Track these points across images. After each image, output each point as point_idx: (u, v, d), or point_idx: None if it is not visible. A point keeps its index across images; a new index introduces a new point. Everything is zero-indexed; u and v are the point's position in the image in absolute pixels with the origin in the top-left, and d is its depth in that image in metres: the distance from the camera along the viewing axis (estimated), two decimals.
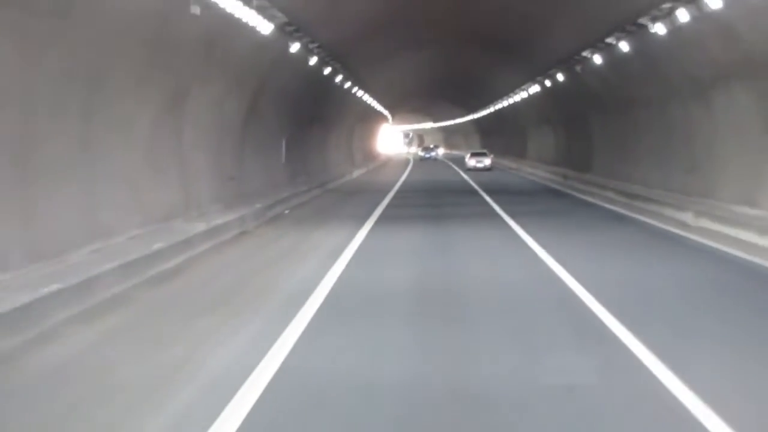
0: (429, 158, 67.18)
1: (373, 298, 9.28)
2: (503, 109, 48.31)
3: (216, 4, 13.36)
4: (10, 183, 9.00)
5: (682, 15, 15.77)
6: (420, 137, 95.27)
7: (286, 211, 19.86)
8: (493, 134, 62.04)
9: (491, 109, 53.74)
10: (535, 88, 35.41)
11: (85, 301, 8.60)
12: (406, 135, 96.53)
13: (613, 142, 27.11)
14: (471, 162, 46.13)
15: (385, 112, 59.34)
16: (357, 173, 41.19)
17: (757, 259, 11.51)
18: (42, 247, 9.50)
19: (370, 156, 57.29)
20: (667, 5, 16.07)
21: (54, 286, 8.30)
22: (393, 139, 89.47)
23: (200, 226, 13.70)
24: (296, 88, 23.97)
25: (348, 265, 11.36)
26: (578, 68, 26.75)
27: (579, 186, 27.50)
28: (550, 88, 32.41)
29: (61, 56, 9.54)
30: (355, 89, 34.20)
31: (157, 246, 11.25)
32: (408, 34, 30.75)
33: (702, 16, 14.99)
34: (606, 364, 6.40)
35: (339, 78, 28.76)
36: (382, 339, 7.33)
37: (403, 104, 68.01)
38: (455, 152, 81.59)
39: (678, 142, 20.10)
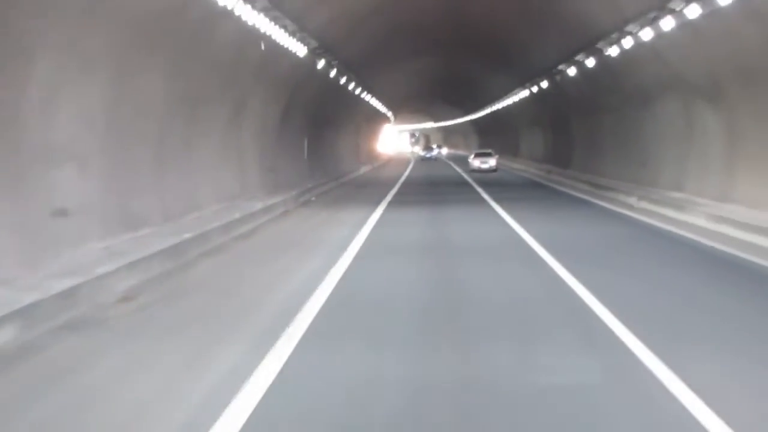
0: (430, 158, 68.29)
1: (392, 246, 13.90)
2: (498, 111, 52.86)
3: (270, 36, 17.99)
4: (152, 172, 13.65)
5: (627, 42, 20.43)
6: (426, 137, 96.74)
7: (313, 198, 24.51)
8: (490, 134, 66.62)
9: (488, 111, 58.37)
10: (524, 93, 40.07)
11: (204, 245, 13.24)
12: (412, 135, 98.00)
13: (587, 141, 31.77)
14: (475, 163, 43.92)
15: (388, 113, 63.99)
16: (364, 169, 45.84)
17: (666, 226, 16.15)
18: (168, 213, 14.15)
19: (373, 155, 61.92)
20: (614, 35, 20.73)
21: (186, 235, 12.94)
22: (394, 139, 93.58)
23: (257, 205, 18.36)
24: (316, 95, 28.62)
25: (372, 230, 16.01)
26: (558, 78, 31.40)
27: (558, 179, 32.23)
28: (537, 93, 37.05)
29: (181, 84, 14.21)
30: (363, 94, 38.89)
31: (236, 215, 15.90)
32: (411, 45, 35.48)
33: (639, 44, 19.64)
34: (532, 267, 11.04)
35: (351, 86, 33.42)
36: (400, 266, 11.96)
37: (404, 105, 72.63)
38: (460, 152, 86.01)
39: (632, 142, 24.78)
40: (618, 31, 20.82)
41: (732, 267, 11.35)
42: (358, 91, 36.25)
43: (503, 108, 49.85)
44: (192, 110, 15.26)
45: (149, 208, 13.38)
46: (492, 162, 43.56)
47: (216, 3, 13.59)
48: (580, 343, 7.17)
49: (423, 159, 67.31)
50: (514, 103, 44.82)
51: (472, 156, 45.88)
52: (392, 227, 16.90)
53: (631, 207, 20.27)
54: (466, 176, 38.79)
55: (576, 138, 34.28)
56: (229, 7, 14.11)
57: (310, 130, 30.85)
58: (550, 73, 32.06)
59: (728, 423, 5.11)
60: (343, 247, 13.30)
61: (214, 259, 12.35)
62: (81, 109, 10.55)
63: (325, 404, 5.65)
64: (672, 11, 16.38)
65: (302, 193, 23.97)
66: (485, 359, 6.70)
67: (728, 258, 12.05)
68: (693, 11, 15.54)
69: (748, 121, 16.36)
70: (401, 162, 63.74)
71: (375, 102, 47.06)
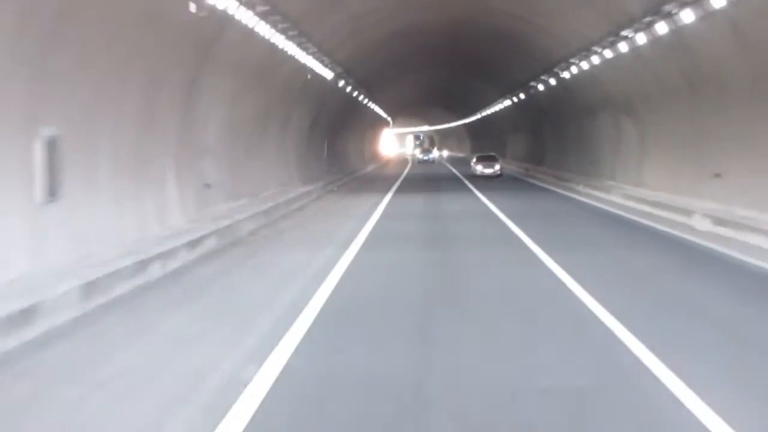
0: (427, 161, 67.43)
1: (401, 214, 20.86)
2: (487, 116, 59.97)
3: (312, 68, 24.93)
4: (244, 164, 20.62)
5: (574, 69, 27.45)
6: (431, 138, 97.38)
7: (335, 188, 31.48)
8: (481, 137, 73.66)
9: (478, 116, 65.48)
10: (507, 102, 47.11)
11: (280, 211, 20.14)
12: (417, 137, 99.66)
13: (556, 144, 38.80)
14: (478, 168, 40.77)
15: (388, 118, 70.91)
16: (370, 168, 52.85)
17: (592, 202, 23.15)
18: (251, 191, 21.12)
19: (376, 155, 68.89)
20: (563, 64, 27.80)
21: (269, 204, 19.87)
22: (394, 141, 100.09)
23: (301, 189, 25.34)
24: (335, 108, 35.60)
25: (386, 206, 23.01)
26: (532, 91, 38.43)
27: (533, 174, 39.37)
28: (517, 103, 44.10)
29: (260, 109, 21.22)
30: (369, 103, 45.90)
31: (290, 195, 22.88)
32: (414, 62, 42.49)
33: (582, 71, 26.68)
34: (492, 222, 18.00)
35: (361, 98, 40.43)
36: (408, 225, 18.92)
37: (403, 110, 79.66)
38: (453, 153, 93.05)
39: (586, 144, 31.84)
40: (565, 61, 27.88)
41: (614, 220, 18.38)
42: (366, 101, 43.29)
43: (491, 114, 56.91)
44: (263, 125, 22.25)
45: (243, 187, 20.35)
46: (497, 167, 40.32)
47: (286, 51, 20.58)
48: (507, 247, 14.18)
49: (420, 162, 66.79)
50: (500, 110, 51.88)
51: (474, 160, 42.67)
52: (400, 205, 23.90)
53: (577, 192, 27.29)
54: (456, 172, 45.76)
55: (547, 141, 41.31)
56: (291, 53, 21.09)
57: (329, 135, 37.85)
58: (526, 87, 39.10)
59: (570, 274, 12.07)
60: (369, 215, 20.28)
61: (289, 219, 19.31)
62: (217, 124, 17.56)
63: (377, 267, 12.59)
64: (596, 52, 23.45)
65: (326, 184, 30.95)
66: (459, 254, 13.70)
67: (617, 216, 19.07)
68: (609, 54, 22.62)
69: (650, 129, 23.43)
70: (401, 162, 70.59)
71: (378, 109, 54.07)
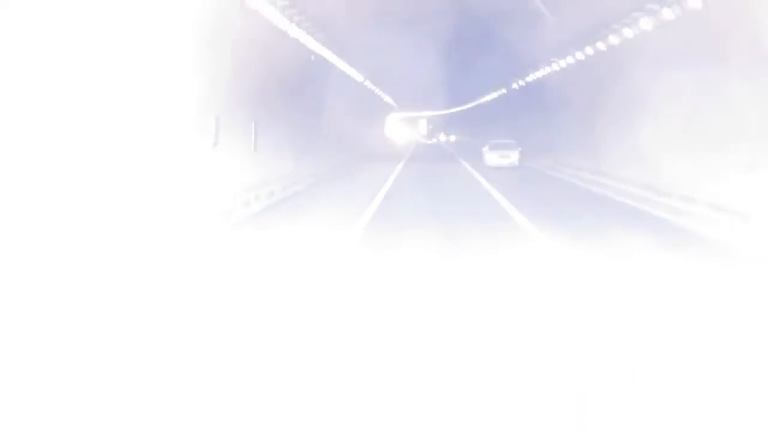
0: (431, 144, 79.59)
1: (414, 166, 33.54)
2: (482, 104, 72.22)
3: (364, 84, 37.45)
4: (311, 143, 33.33)
5: (539, 74, 39.97)
6: (435, 124, 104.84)
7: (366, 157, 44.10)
8: (478, 123, 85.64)
9: (474, 104, 77.70)
10: (496, 94, 59.53)
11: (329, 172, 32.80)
12: (429, 122, 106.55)
13: (531, 130, 51.33)
14: (492, 157, 36.92)
15: (394, 104, 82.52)
16: (384, 149, 65.36)
17: (549, 171, 35.73)
18: (315, 156, 33.87)
19: (387, 139, 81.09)
20: (531, 69, 40.41)
21: (333, 161, 32.49)
22: (400, 125, 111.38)
23: (343, 159, 38.01)
24: (363, 102, 48.12)
25: (404, 164, 35.76)
26: (513, 86, 50.93)
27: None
28: (503, 95, 56.52)
29: (324, 118, 33.99)
30: (385, 96, 58.43)
31: (339, 162, 35.54)
32: (422, 53, 54.62)
33: (545, 76, 39.21)
34: (470, 179, 30.67)
35: (380, 92, 53.03)
36: (420, 168, 31.61)
37: (407, 97, 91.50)
38: (467, 139, 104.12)
39: (553, 132, 44.37)
40: (533, 67, 40.38)
41: (549, 179, 31.02)
42: (383, 96, 55.91)
43: (485, 102, 69.17)
44: (321, 121, 34.92)
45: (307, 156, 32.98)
46: (514, 156, 36.63)
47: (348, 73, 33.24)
48: (474, 190, 26.91)
49: (426, 144, 77.78)
50: (492, 99, 64.21)
51: (487, 147, 38.28)
52: (411, 166, 36.51)
53: (544, 166, 39.85)
54: (451, 150, 58.16)
55: (527, 127, 53.83)
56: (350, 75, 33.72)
57: (366, 121, 50.37)
58: (507, 83, 51.60)
59: (493, 186, 24.76)
60: (399, 161, 32.98)
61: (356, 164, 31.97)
62: (309, 129, 30.32)
63: (412, 173, 25.44)
64: (552, 62, 36.01)
65: (357, 156, 43.56)
66: (446, 186, 26.50)
67: (554, 176, 31.67)
68: (559, 65, 35.21)
69: (591, 124, 36.05)
70: (408, 144, 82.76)
71: (388, 99, 66.49)
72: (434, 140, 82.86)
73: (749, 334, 7.26)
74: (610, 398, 5.60)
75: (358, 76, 42.09)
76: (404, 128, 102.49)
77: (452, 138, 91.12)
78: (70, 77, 10.79)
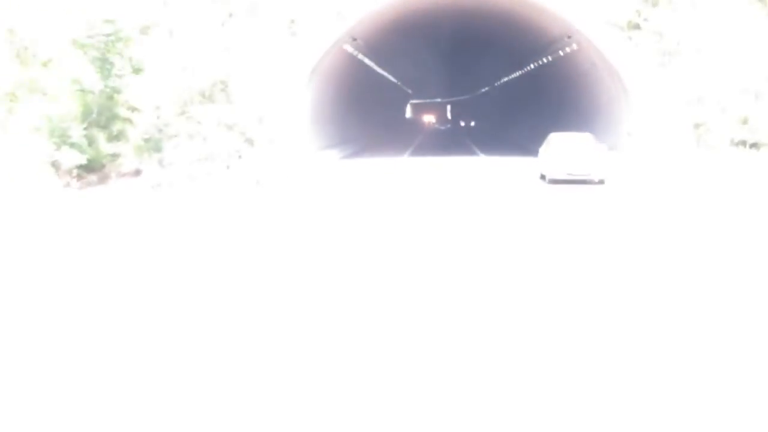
0: (443, 129, 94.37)
1: (424, 139, 53.66)
2: (483, 93, 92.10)
3: (393, 82, 57.47)
4: (349, 129, 53.55)
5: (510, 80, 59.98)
6: (447, 109, 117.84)
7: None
8: (483, 109, 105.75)
9: (474, 94, 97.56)
10: (484, 89, 79.40)
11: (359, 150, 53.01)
12: (449, 106, 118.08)
13: (510, 121, 71.43)
14: (560, 164, 23.15)
15: (410, 91, 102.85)
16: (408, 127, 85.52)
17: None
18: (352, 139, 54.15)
19: (407, 121, 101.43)
20: (504, 75, 60.43)
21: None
22: (415, 111, 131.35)
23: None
24: (389, 95, 68.12)
25: (415, 146, 56.03)
26: (495, 85, 70.83)
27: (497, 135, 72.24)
28: (487, 91, 76.38)
29: (376, 115, 54.29)
30: (406, 88, 78.36)
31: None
32: (433, 53, 74.77)
33: (512, 79, 59.22)
34: (463, 147, 50.85)
35: (401, 85, 73.03)
36: (431, 142, 51.84)
37: (421, 87, 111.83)
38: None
39: (524, 125, 64.59)
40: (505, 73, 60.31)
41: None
42: (405, 88, 75.96)
43: (484, 92, 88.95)
44: (367, 113, 55.11)
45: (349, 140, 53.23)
46: (597, 167, 23.10)
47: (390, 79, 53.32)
48: (465, 149, 47.19)
49: (438, 128, 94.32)
50: (484, 92, 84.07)
51: (550, 145, 24.54)
52: (421, 143, 56.71)
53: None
54: (457, 132, 77.99)
55: (506, 119, 73.93)
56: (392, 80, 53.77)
57: (392, 113, 70.50)
58: (491, 82, 71.58)
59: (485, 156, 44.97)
60: (408, 147, 53.20)
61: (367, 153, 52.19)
62: (366, 114, 50.55)
63: (420, 161, 45.51)
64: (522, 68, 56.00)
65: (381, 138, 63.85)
66: (448, 151, 46.80)
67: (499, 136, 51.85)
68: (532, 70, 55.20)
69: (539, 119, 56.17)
70: (423, 124, 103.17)
71: (406, 88, 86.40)
72: (447, 125, 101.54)
73: (525, 180, 27.29)
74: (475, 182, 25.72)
75: (391, 78, 62.33)
76: (419, 112, 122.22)
77: (472, 123, 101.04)
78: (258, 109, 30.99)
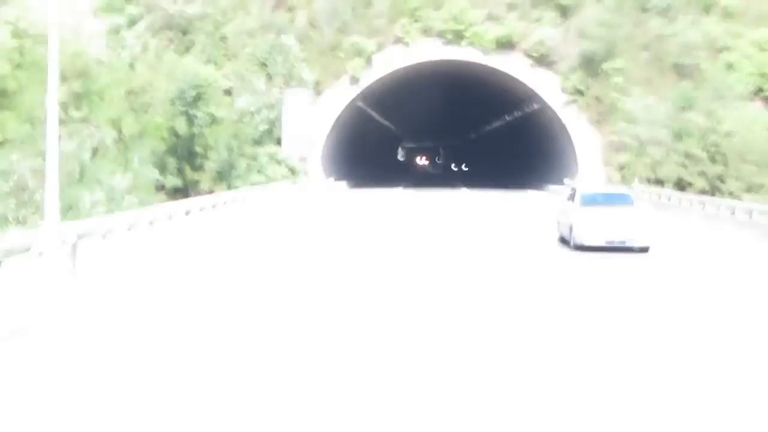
0: (435, 174, 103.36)
1: (415, 183, 64.05)
2: (475, 137, 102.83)
3: (388, 128, 67.94)
4: (348, 168, 63.98)
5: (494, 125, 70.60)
6: (437, 152, 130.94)
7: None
8: (469, 153, 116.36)
9: (464, 138, 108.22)
10: (472, 135, 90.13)
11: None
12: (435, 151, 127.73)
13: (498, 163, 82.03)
14: (595, 226, 18.68)
15: (404, 138, 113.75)
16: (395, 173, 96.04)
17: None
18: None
19: (397, 164, 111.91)
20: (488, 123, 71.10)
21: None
22: (407, 154, 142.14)
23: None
24: (379, 137, 78.66)
25: (397, 193, 66.43)
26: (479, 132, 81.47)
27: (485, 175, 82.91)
28: (475, 138, 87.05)
29: (368, 150, 64.77)
30: (402, 135, 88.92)
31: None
32: (424, 104, 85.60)
33: (498, 126, 69.84)
34: (454, 189, 61.24)
35: (393, 129, 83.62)
36: (417, 198, 62.25)
37: (411, 131, 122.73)
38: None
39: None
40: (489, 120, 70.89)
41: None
42: (400, 133, 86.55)
43: (473, 138, 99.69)
44: (369, 154, 65.54)
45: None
46: (641, 231, 18.81)
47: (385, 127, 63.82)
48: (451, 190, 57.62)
49: (428, 172, 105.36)
50: (473, 138, 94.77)
51: (582, 203, 19.72)
52: (413, 182, 67.06)
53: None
54: (447, 174, 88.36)
55: (491, 163, 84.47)
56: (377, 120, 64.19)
57: (386, 153, 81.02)
58: (487, 126, 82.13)
59: (467, 190, 55.32)
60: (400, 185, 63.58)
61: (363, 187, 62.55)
62: (366, 156, 60.97)
63: (409, 195, 55.81)
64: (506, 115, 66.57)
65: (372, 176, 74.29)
66: (437, 190, 57.16)
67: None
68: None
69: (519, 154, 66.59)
70: (415, 167, 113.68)
71: (400, 133, 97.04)
72: (437, 169, 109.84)
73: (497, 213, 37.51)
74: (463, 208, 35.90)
75: (388, 124, 72.72)
76: (409, 155, 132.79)
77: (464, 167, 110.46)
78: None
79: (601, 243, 18.40)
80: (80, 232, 12.80)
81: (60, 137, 28.97)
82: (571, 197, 20.52)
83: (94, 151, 28.53)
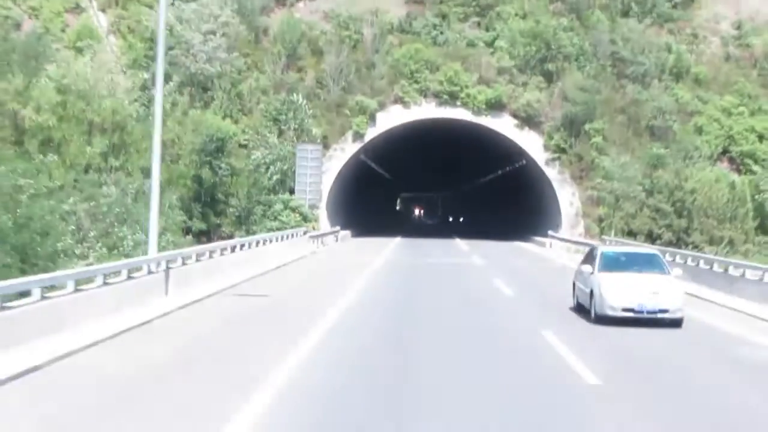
0: (431, 224, 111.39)
1: (411, 233, 68.31)
2: (468, 190, 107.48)
3: (389, 180, 72.54)
4: (350, 217, 68.49)
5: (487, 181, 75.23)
6: (435, 203, 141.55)
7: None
8: (460, 204, 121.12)
9: (457, 190, 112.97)
10: (467, 187, 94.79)
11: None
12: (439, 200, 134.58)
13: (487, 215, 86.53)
14: (622, 293, 16.90)
15: (399, 187, 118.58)
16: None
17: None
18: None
19: (397, 214, 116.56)
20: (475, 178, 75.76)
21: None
22: (405, 204, 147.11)
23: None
24: (378, 188, 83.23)
25: (396, 246, 70.67)
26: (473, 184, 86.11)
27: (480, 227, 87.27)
28: (468, 190, 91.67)
29: (378, 200, 69.32)
30: (400, 185, 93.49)
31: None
32: (420, 159, 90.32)
33: (493, 179, 74.46)
34: (450, 245, 65.50)
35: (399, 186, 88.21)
36: (415, 244, 66.51)
37: (408, 183, 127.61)
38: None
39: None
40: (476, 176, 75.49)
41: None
42: (398, 183, 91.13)
43: (470, 189, 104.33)
44: (370, 203, 69.99)
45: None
46: (675, 298, 17.16)
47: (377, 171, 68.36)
48: (452, 251, 61.85)
49: (426, 224, 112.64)
50: (468, 189, 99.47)
51: (593, 260, 18.41)
52: (409, 232, 71.33)
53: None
54: (442, 226, 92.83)
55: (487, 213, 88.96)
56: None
57: (381, 203, 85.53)
58: (478, 180, 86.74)
59: (473, 251, 59.60)
60: (398, 235, 67.87)
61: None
62: (367, 206, 65.54)
63: (406, 248, 60.07)
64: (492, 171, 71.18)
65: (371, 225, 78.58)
66: (432, 246, 61.42)
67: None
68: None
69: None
70: (413, 216, 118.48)
71: (398, 183, 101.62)
72: (434, 220, 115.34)
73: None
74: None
75: (387, 176, 77.29)
76: (408, 205, 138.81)
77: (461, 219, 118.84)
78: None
79: (628, 314, 16.52)
80: (168, 258, 17.15)
81: (105, 183, 33.39)
82: (591, 258, 18.44)
83: (134, 197, 32.68)
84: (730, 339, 16.26)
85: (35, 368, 10.71)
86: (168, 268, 16.85)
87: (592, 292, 17.14)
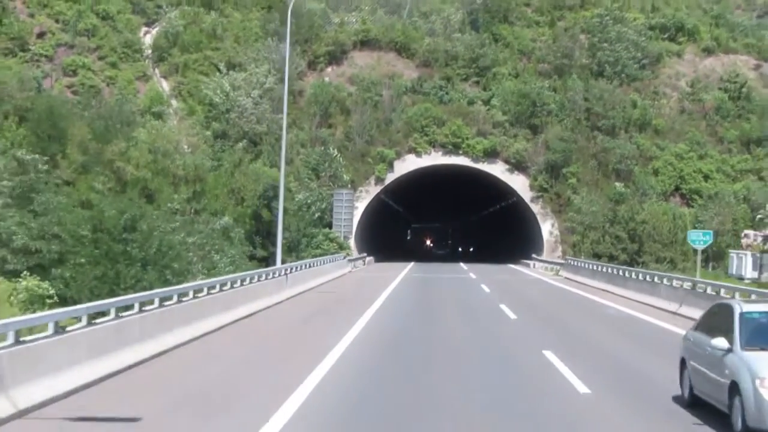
0: (442, 253, 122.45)
1: (422, 260, 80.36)
2: (475, 218, 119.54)
3: (403, 215, 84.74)
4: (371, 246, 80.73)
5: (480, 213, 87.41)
6: (446, 233, 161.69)
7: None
8: (468, 234, 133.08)
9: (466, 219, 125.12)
10: (474, 218, 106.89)
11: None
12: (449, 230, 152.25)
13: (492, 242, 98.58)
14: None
15: (411, 219, 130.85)
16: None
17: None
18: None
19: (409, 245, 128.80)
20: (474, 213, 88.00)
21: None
22: (416, 235, 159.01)
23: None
24: (393, 225, 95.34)
25: (411, 267, 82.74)
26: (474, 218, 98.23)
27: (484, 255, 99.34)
28: (473, 221, 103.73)
29: (397, 233, 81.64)
30: (411, 218, 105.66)
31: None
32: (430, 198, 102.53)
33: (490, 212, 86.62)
34: (454, 267, 77.50)
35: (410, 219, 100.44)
36: (426, 266, 78.57)
37: (419, 214, 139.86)
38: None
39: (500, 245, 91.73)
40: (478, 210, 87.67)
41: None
42: (410, 216, 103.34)
43: (471, 221, 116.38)
44: (388, 235, 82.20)
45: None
46: None
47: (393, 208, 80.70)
48: (455, 270, 73.88)
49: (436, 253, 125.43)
50: (473, 220, 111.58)
51: (726, 328, 11.35)
52: (421, 258, 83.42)
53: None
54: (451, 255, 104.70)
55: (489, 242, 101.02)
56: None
57: (396, 233, 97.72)
58: (477, 213, 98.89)
59: (471, 271, 71.63)
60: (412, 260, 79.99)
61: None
62: (385, 239, 77.79)
63: (420, 269, 72.13)
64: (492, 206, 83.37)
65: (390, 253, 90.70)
66: (440, 267, 73.49)
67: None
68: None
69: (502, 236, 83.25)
70: (423, 247, 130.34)
71: (410, 216, 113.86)
72: (446, 250, 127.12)
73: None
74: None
75: (402, 211, 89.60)
76: (418, 236, 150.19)
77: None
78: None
79: None
80: (287, 268, 29.54)
81: (196, 222, 45.68)
82: (718, 322, 11.90)
83: (218, 232, 44.95)
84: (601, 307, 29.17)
85: (247, 316, 23.04)
86: (286, 273, 28.95)
87: (734, 385, 10.56)
